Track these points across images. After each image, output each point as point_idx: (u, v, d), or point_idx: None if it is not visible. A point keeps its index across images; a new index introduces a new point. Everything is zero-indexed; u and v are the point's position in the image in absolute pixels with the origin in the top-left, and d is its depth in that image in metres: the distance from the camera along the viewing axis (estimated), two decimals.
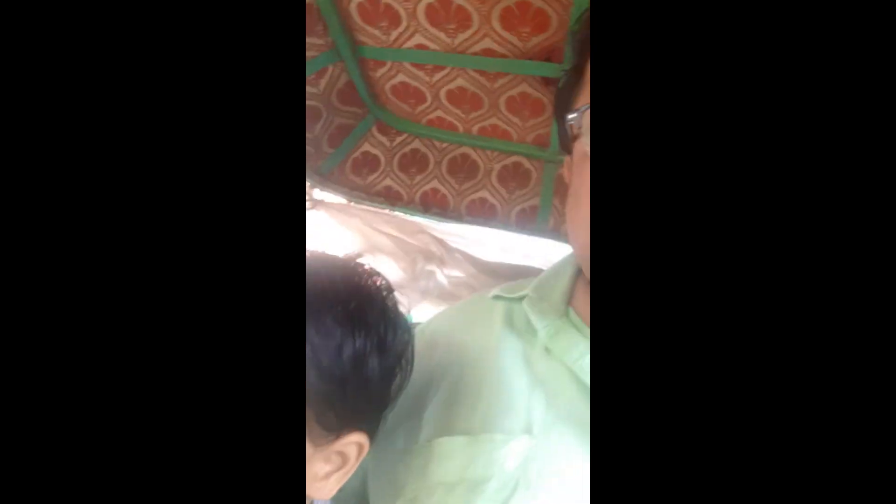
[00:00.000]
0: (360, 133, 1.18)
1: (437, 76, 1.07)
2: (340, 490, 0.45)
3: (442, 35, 0.96)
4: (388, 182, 1.24)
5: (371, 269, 0.43)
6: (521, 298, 0.52)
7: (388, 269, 1.12)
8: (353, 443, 0.39)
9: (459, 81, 1.07)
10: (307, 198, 1.15)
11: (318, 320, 0.36)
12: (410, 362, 0.44)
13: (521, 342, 0.48)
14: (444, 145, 1.22)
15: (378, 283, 0.42)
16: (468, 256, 1.15)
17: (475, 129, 1.18)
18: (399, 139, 1.21)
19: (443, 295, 1.12)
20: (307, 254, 0.40)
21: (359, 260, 0.43)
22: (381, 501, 0.46)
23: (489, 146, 1.19)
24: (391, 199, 1.24)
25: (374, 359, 0.39)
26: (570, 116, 0.44)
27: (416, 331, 0.63)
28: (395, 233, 1.15)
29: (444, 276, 1.14)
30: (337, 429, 0.38)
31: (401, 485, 0.43)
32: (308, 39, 0.98)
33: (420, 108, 1.16)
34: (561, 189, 1.15)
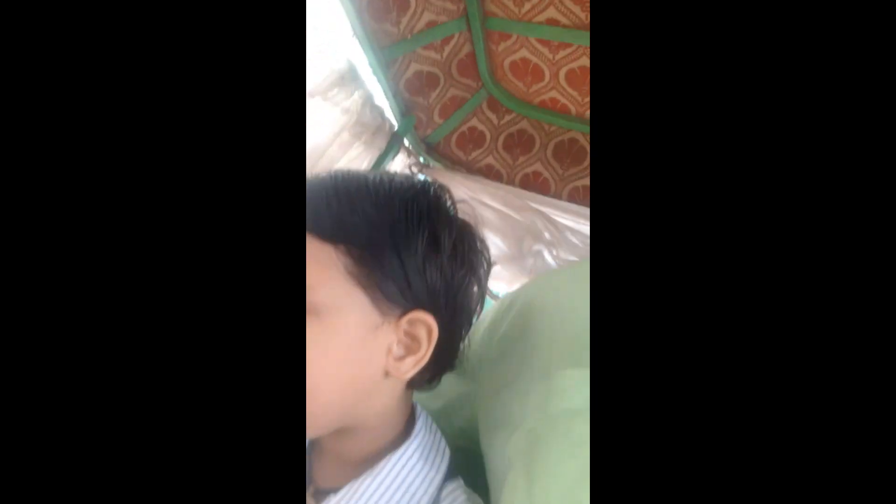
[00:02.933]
0: (472, 107, 1.17)
1: (561, 54, 1.05)
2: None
3: (577, 9, 0.95)
4: (489, 160, 1.22)
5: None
6: None
7: (491, 245, 1.10)
8: (420, 322, 0.39)
9: (584, 61, 1.05)
10: (414, 163, 1.15)
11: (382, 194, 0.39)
12: (476, 261, 0.43)
13: None
14: (553, 128, 1.20)
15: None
16: (580, 236, 1.11)
17: (589, 113, 1.16)
18: (508, 118, 1.20)
19: None
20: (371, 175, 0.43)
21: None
22: (496, 438, 0.44)
23: None
24: (491, 177, 1.22)
25: (434, 238, 0.39)
26: None
27: (521, 288, 0.60)
28: (501, 207, 1.13)
29: (552, 256, 1.10)
30: (401, 303, 0.39)
31: (518, 419, 0.41)
32: (440, 3, 0.98)
33: (535, 86, 1.15)
34: None
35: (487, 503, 0.43)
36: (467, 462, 0.46)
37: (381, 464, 0.40)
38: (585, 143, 1.20)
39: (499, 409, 0.46)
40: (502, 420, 0.44)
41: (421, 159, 1.17)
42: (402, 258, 0.38)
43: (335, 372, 0.38)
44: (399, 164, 1.14)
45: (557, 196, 1.21)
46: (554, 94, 1.15)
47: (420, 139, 1.16)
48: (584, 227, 1.14)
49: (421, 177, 0.45)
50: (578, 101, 1.15)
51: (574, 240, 1.11)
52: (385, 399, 0.42)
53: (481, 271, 0.44)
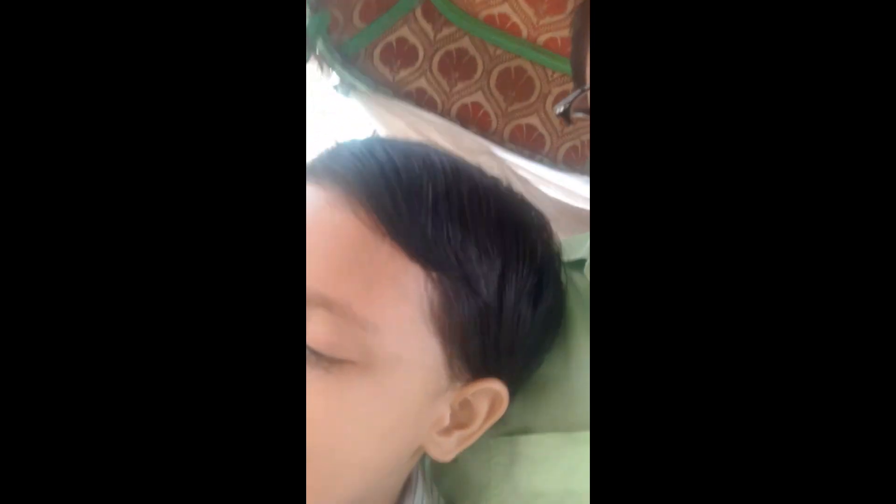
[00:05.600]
0: (402, 11, 0.92)
1: None
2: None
3: None
4: (422, 83, 0.98)
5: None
6: (580, 264, 0.40)
7: None
8: (486, 391, 0.29)
9: None
10: (336, 84, 0.87)
11: (448, 225, 0.27)
12: (561, 308, 0.34)
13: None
14: (499, 52, 0.99)
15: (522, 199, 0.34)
16: (529, 174, 0.94)
17: (542, 39, 0.97)
18: (446, 31, 0.96)
19: None
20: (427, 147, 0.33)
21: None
22: (459, 491, 0.36)
23: (553, 64, 0.98)
24: (422, 105, 0.99)
25: (527, 283, 0.30)
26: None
27: None
28: (452, 148, 0.91)
29: None
30: (472, 371, 0.29)
31: (481, 483, 0.35)
32: None
33: None
34: None
35: None
36: None
37: None
38: (534, 73, 1.01)
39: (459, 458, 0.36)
40: (465, 474, 0.35)
41: (335, 74, 0.89)
42: (503, 307, 0.28)
43: (373, 451, 0.28)
44: (309, 81, 0.85)
45: (499, 135, 1.02)
46: (506, 8, 0.94)
47: (335, 46, 0.89)
48: (532, 168, 0.98)
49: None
50: (533, 21, 0.95)
51: (523, 174, 0.94)
52: (399, 477, 0.32)
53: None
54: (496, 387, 0.30)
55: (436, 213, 0.26)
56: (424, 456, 0.37)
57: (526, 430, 0.33)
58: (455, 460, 0.36)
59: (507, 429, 0.34)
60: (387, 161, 0.27)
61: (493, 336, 0.28)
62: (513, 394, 0.32)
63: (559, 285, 0.33)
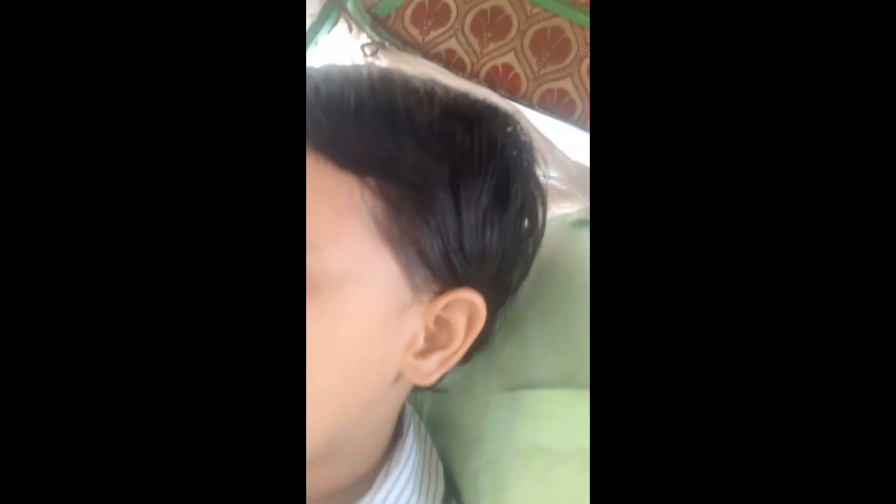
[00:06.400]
0: None
1: None
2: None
3: None
4: (452, 44, 0.97)
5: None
6: None
7: None
8: (463, 304, 0.28)
9: None
10: (367, 44, 0.88)
11: (414, 133, 0.26)
12: (535, 208, 0.32)
13: None
14: (537, 10, 0.95)
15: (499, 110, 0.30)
16: (565, 156, 0.93)
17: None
18: None
19: None
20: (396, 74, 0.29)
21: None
22: (452, 446, 0.35)
23: None
24: (451, 67, 0.98)
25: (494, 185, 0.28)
26: None
27: None
28: None
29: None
30: (443, 275, 0.27)
31: (475, 437, 0.33)
32: None
33: None
34: None
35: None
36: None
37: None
38: (571, 34, 0.97)
39: (451, 407, 0.36)
40: (458, 428, 0.35)
41: (365, 37, 0.90)
42: (461, 207, 0.26)
43: (336, 379, 0.26)
44: (338, 40, 0.86)
45: (527, 99, 1.00)
46: None
47: (365, 8, 0.88)
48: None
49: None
50: None
51: (560, 154, 0.95)
52: (384, 412, 0.30)
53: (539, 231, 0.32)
54: (469, 296, 0.27)
55: (360, 116, 0.25)
56: (420, 407, 0.36)
57: (534, 385, 0.32)
58: (450, 415, 0.35)
59: (511, 383, 0.33)
60: (307, 82, 0.26)
61: (456, 240, 0.26)
62: (497, 307, 0.30)
63: (533, 183, 0.30)
